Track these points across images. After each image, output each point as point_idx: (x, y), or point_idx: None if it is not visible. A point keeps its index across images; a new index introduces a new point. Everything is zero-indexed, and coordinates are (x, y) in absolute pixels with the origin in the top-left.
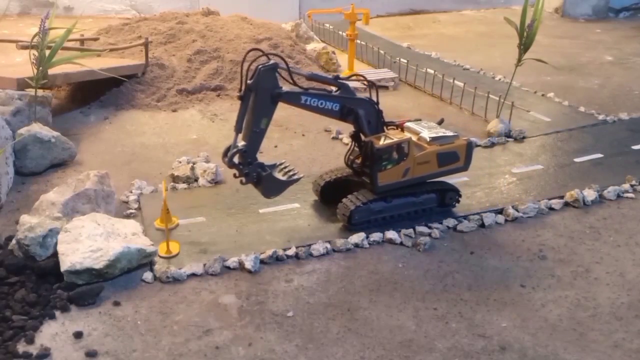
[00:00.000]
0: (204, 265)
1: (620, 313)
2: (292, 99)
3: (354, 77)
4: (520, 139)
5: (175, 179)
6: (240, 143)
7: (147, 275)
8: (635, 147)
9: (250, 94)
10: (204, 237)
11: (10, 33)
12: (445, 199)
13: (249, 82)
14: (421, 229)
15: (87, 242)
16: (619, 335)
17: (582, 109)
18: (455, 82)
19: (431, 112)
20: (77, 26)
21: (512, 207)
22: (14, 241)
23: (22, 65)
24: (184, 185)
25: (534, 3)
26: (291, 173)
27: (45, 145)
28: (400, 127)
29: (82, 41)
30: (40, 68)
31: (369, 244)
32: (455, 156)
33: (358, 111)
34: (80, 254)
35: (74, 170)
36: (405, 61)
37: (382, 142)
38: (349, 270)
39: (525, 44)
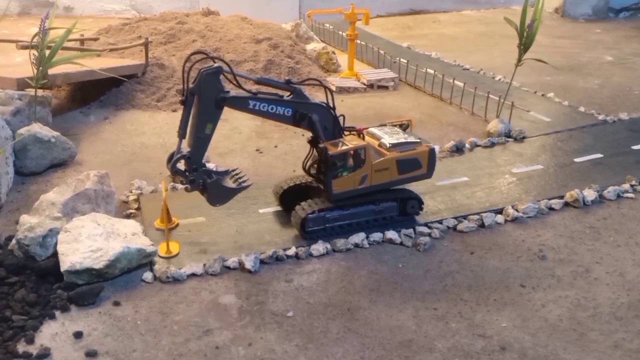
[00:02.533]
0: (204, 265)
1: (620, 313)
2: (239, 103)
3: (308, 81)
4: (520, 139)
5: (175, 179)
6: (186, 149)
7: (147, 275)
8: (635, 147)
9: (193, 98)
10: (204, 237)
11: (10, 33)
12: (406, 208)
13: (191, 85)
14: (421, 229)
15: (87, 242)
16: (619, 335)
17: (582, 109)
18: (455, 82)
19: (431, 112)
20: (77, 26)
21: (512, 207)
22: (14, 241)
23: (22, 65)
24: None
25: (534, 3)
26: (241, 180)
27: (45, 145)
28: (360, 132)
29: (82, 41)
30: (40, 68)
31: (369, 244)
32: (417, 163)
33: (312, 116)
34: (80, 254)
35: (74, 170)
36: (405, 61)
37: (337, 148)
38: (349, 270)
39: (525, 44)
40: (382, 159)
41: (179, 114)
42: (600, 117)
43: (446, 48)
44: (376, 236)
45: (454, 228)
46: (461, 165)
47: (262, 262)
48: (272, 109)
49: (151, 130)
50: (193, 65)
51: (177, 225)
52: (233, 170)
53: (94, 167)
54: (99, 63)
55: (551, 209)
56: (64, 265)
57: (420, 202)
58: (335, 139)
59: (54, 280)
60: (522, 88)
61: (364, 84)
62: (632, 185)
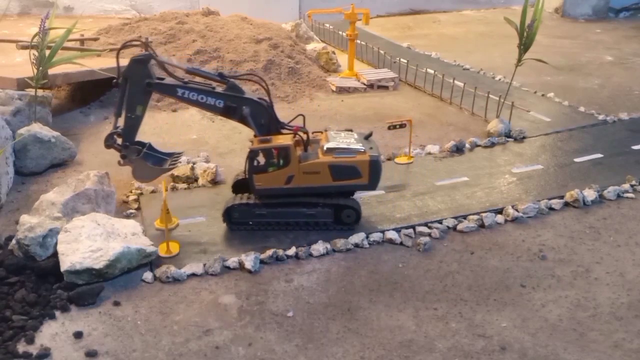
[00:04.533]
0: (204, 265)
1: (620, 313)
2: (167, 90)
3: (246, 77)
4: (520, 139)
5: (175, 179)
6: (121, 127)
7: (147, 275)
8: (635, 147)
9: (126, 82)
10: (204, 237)
11: (10, 33)
12: (341, 216)
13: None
14: (421, 229)
15: (87, 242)
16: (619, 335)
17: (582, 109)
18: (455, 82)
19: (431, 112)
20: (77, 26)
21: (512, 207)
22: (14, 241)
23: (22, 65)
24: (184, 185)
25: (534, 3)
26: (173, 163)
27: (45, 145)
28: (296, 132)
29: (82, 41)
30: (40, 68)
31: (369, 244)
32: (355, 172)
33: (243, 110)
34: (80, 254)
35: (74, 170)
36: (405, 61)
37: (261, 144)
38: (349, 270)
39: (525, 44)
40: (311, 161)
41: (179, 114)
42: (600, 117)
43: (446, 48)
44: (376, 236)
45: (454, 228)
46: (461, 165)
47: (262, 262)
48: (202, 98)
49: (151, 130)
50: (120, 50)
51: (177, 225)
52: (178, 154)
53: (94, 167)
54: (99, 63)
55: (551, 209)
56: (64, 265)
57: (358, 213)
58: (269, 135)
59: (54, 280)
60: (522, 88)
61: (364, 84)
62: (632, 185)
